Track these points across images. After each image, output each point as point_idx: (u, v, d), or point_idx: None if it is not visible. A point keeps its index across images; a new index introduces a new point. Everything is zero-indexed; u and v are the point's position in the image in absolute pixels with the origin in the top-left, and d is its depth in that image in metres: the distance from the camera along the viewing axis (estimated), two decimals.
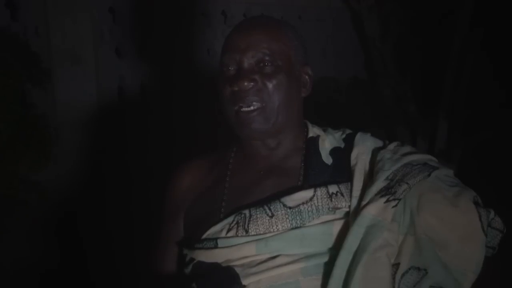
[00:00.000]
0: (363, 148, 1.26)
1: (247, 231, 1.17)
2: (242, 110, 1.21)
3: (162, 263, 1.35)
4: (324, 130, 1.34)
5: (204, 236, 1.21)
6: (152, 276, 1.36)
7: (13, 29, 2.45)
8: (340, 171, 1.24)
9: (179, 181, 1.36)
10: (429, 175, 1.18)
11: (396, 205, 1.13)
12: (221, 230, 1.20)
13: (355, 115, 3.26)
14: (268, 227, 1.17)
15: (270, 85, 1.21)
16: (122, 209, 2.49)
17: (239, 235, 1.18)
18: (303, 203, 1.18)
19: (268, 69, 1.21)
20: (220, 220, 1.22)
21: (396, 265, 1.13)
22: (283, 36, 1.24)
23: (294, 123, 1.29)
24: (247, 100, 1.20)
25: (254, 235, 1.17)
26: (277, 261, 1.15)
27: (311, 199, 1.18)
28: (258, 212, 1.18)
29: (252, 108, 1.20)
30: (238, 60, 1.21)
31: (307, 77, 1.29)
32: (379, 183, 1.17)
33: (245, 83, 1.19)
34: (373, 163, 1.24)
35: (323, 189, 1.19)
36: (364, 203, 1.15)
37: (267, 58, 1.21)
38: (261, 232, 1.17)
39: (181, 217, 1.33)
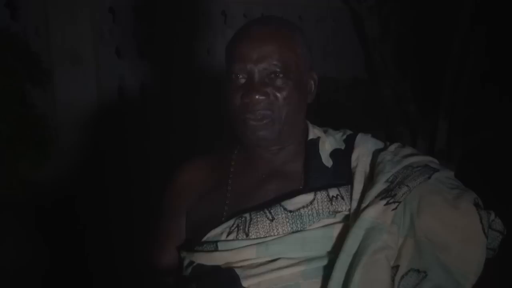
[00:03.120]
0: (363, 150, 1.26)
1: (247, 235, 1.17)
2: (251, 118, 1.20)
3: (161, 258, 1.33)
4: (325, 131, 1.34)
5: (204, 239, 1.21)
6: (150, 272, 1.35)
7: (13, 29, 2.45)
8: (340, 173, 1.24)
9: (181, 178, 1.35)
10: (429, 177, 1.18)
11: (395, 208, 1.13)
12: (221, 233, 1.20)
13: (355, 115, 3.26)
14: (268, 230, 1.17)
15: (281, 98, 1.20)
16: (123, 208, 2.49)
17: (240, 238, 1.18)
18: (303, 207, 1.18)
19: (279, 82, 1.20)
20: (221, 223, 1.21)
21: (395, 268, 1.13)
22: (294, 45, 1.23)
23: (298, 129, 1.29)
24: (257, 113, 1.20)
25: (254, 238, 1.17)
26: (278, 264, 1.15)
27: (311, 202, 1.18)
28: (258, 216, 1.18)
29: (260, 117, 1.20)
30: (249, 70, 1.20)
31: (312, 82, 1.29)
32: (379, 186, 1.17)
33: (257, 97, 1.19)
34: (373, 165, 1.24)
35: (323, 193, 1.19)
36: (364, 205, 1.15)
37: (278, 70, 1.20)
38: (262, 236, 1.17)
39: (183, 215, 1.32)
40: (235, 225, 1.19)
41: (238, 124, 1.23)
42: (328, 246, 1.16)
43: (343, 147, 1.30)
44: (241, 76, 1.21)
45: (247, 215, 1.19)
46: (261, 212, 1.19)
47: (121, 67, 2.84)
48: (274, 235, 1.17)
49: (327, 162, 1.26)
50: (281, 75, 1.20)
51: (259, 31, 1.23)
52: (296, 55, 1.23)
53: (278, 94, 1.20)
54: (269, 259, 1.16)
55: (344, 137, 1.33)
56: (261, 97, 1.19)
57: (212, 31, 3.18)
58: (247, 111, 1.20)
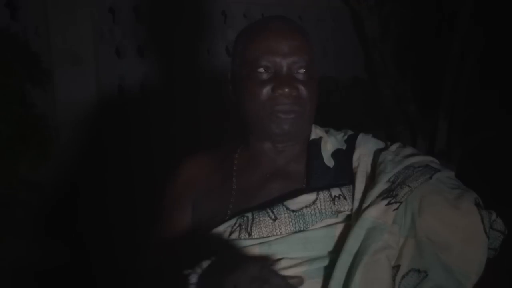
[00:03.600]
0: (364, 150, 1.26)
1: (250, 234, 1.17)
2: (280, 111, 1.20)
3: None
4: (326, 131, 1.34)
5: None
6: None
7: (13, 29, 2.45)
8: (342, 173, 1.24)
9: (186, 173, 1.34)
10: (430, 177, 1.18)
11: (397, 208, 1.13)
12: (224, 232, 1.19)
13: (355, 115, 3.26)
14: (271, 230, 1.17)
15: (307, 94, 1.21)
16: (124, 208, 2.49)
17: (242, 238, 1.17)
18: (306, 207, 1.18)
19: (305, 77, 1.21)
20: (223, 222, 1.21)
21: (396, 267, 1.13)
22: (310, 43, 1.25)
23: (310, 128, 1.30)
24: (287, 106, 1.20)
25: (257, 238, 1.17)
26: (280, 264, 1.14)
27: (314, 202, 1.18)
28: (261, 215, 1.18)
29: (290, 111, 1.20)
30: (278, 64, 1.20)
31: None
32: (381, 186, 1.17)
33: (289, 90, 1.19)
34: (374, 165, 1.24)
35: (326, 193, 1.19)
36: (365, 205, 1.15)
37: (304, 64, 1.20)
38: (264, 235, 1.17)
39: (189, 206, 1.30)
40: (237, 224, 1.18)
41: (264, 117, 1.21)
42: (330, 246, 1.16)
43: (344, 147, 1.30)
44: (265, 70, 1.21)
45: (249, 214, 1.19)
46: (264, 211, 1.18)
47: (121, 67, 2.84)
48: (277, 234, 1.17)
49: (329, 162, 1.26)
50: (307, 71, 1.21)
51: (283, 26, 1.24)
52: (313, 53, 1.24)
53: (305, 90, 1.21)
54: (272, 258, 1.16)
55: (346, 137, 1.33)
56: (293, 90, 1.19)
57: (212, 31, 3.18)
58: (277, 103, 1.20)
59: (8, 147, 2.18)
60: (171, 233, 1.28)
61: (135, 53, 2.91)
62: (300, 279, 1.03)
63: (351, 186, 1.21)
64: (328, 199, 1.18)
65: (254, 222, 1.18)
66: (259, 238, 1.17)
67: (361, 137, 1.30)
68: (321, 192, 1.19)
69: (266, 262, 1.04)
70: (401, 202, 1.14)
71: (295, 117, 1.21)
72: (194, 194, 1.30)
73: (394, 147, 1.29)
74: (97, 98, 2.65)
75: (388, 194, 1.15)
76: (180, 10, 2.98)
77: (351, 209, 1.18)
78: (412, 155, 1.25)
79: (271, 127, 1.22)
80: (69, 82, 2.57)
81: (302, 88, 1.20)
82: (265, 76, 1.21)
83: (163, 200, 1.35)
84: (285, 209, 1.18)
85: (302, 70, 1.21)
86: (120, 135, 2.66)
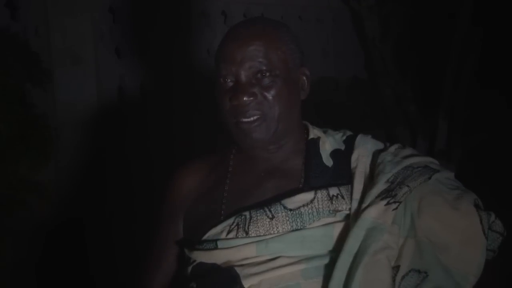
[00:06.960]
0: (363, 151, 1.26)
1: (247, 233, 1.18)
2: (242, 120, 1.20)
3: (159, 264, 1.34)
4: (324, 132, 1.34)
5: (204, 237, 1.21)
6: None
7: (13, 29, 2.44)
8: (340, 173, 1.24)
9: (178, 183, 1.36)
10: (429, 178, 1.18)
11: (396, 208, 1.14)
12: (221, 232, 1.20)
13: (355, 115, 3.26)
14: (268, 228, 1.17)
15: (270, 97, 1.20)
16: (123, 209, 2.49)
17: (239, 236, 1.18)
18: (303, 205, 1.18)
19: (266, 80, 1.20)
20: (220, 221, 1.22)
21: (396, 268, 1.13)
22: (279, 42, 1.22)
23: (294, 127, 1.29)
24: (247, 114, 1.20)
25: (254, 236, 1.17)
26: (278, 262, 1.15)
27: (311, 201, 1.18)
28: (258, 214, 1.18)
29: (252, 119, 1.20)
30: (234, 73, 1.20)
31: (304, 78, 1.29)
32: (380, 186, 1.17)
33: (245, 98, 1.18)
34: (373, 165, 1.24)
35: (324, 192, 1.19)
36: (364, 205, 1.15)
37: (264, 68, 1.19)
38: (261, 234, 1.17)
39: (180, 219, 1.32)
40: (235, 224, 1.19)
41: (231, 128, 1.23)
42: (329, 245, 1.16)
43: (343, 147, 1.30)
44: (229, 80, 1.21)
45: (247, 213, 1.19)
46: (261, 210, 1.19)
47: (121, 67, 2.84)
48: (274, 233, 1.17)
49: (328, 161, 1.26)
50: (267, 74, 1.20)
51: (242, 32, 1.23)
52: (283, 52, 1.22)
53: (266, 93, 1.20)
54: (269, 257, 1.16)
55: (344, 137, 1.33)
56: (249, 98, 1.19)
57: (212, 31, 3.18)
58: (237, 113, 1.20)
59: (8, 147, 2.18)
60: (166, 246, 1.32)
61: (135, 53, 2.90)
62: None
63: (349, 186, 1.21)
64: (326, 198, 1.19)
65: (251, 221, 1.18)
66: (257, 236, 1.17)
67: (360, 138, 1.30)
68: (319, 191, 1.19)
69: None
70: (400, 202, 1.14)
71: (260, 123, 1.21)
72: (185, 205, 1.32)
73: (393, 148, 1.29)
74: (97, 98, 2.65)
75: (387, 194, 1.15)
76: (180, 10, 2.98)
77: (349, 209, 1.18)
78: (411, 155, 1.25)
79: (240, 137, 1.23)
80: (69, 82, 2.57)
81: (263, 93, 1.20)
82: (227, 85, 1.22)
83: (156, 220, 1.37)
84: (282, 207, 1.18)
85: (260, 75, 1.20)
86: (120, 135, 2.66)
